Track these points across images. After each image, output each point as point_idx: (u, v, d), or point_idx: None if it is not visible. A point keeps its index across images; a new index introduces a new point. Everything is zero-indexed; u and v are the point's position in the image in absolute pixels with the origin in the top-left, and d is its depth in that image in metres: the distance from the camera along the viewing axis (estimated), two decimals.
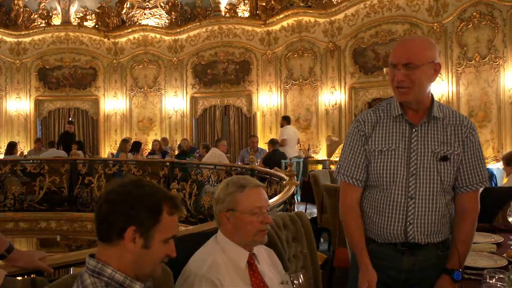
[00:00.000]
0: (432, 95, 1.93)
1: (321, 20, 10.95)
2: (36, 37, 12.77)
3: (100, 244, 1.35)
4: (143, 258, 1.34)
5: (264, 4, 11.61)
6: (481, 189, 1.98)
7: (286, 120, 9.69)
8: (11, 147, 10.05)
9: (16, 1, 12.67)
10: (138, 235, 1.31)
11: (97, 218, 1.35)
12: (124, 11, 12.82)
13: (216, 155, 7.89)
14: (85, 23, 12.77)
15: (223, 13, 12.25)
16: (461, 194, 1.95)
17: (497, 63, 8.29)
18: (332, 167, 9.31)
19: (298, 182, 5.56)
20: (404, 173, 1.88)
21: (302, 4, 11.16)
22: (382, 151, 1.91)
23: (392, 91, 1.91)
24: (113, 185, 1.38)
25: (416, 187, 1.87)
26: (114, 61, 12.86)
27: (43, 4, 12.99)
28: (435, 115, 1.89)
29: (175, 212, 1.38)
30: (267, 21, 11.56)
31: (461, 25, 8.87)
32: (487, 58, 8.43)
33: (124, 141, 9.68)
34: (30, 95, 12.91)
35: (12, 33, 12.61)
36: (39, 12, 12.96)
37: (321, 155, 10.98)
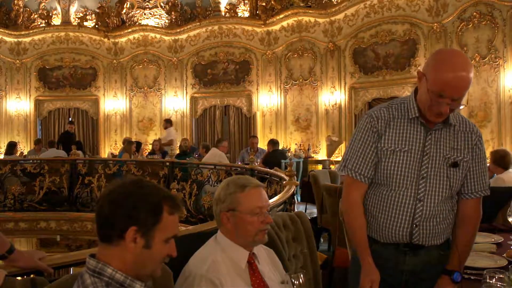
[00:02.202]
0: None
1: (321, 20, 10.95)
2: (36, 37, 12.77)
3: (101, 244, 1.36)
4: (144, 258, 1.34)
5: (264, 4, 11.61)
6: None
7: (169, 123, 11.12)
8: (11, 147, 10.05)
9: (16, 1, 12.67)
10: (139, 235, 1.32)
11: (98, 219, 1.35)
12: (124, 11, 12.82)
13: (216, 155, 7.88)
14: (85, 23, 12.77)
15: (223, 13, 12.25)
16: (465, 200, 1.96)
17: (497, 63, 8.30)
18: (332, 167, 9.32)
19: (298, 182, 5.56)
20: (415, 175, 1.87)
21: (302, 4, 11.16)
22: (395, 151, 1.90)
23: (425, 110, 1.82)
24: (114, 186, 1.38)
25: (425, 190, 1.87)
26: (114, 61, 12.86)
27: (43, 4, 12.99)
28: (450, 122, 1.89)
29: (175, 211, 1.38)
30: (267, 21, 11.56)
31: (461, 25, 8.87)
32: (487, 58, 8.44)
33: (130, 143, 9.69)
34: (30, 95, 12.91)
35: (12, 33, 12.61)
36: (39, 12, 12.96)
37: (321, 155, 10.98)
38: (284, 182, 4.95)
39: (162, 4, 12.83)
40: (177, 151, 9.68)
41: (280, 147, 9.31)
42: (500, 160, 4.61)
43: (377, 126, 1.92)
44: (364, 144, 1.94)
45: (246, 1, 12.07)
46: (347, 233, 2.14)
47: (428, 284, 1.91)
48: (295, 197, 4.83)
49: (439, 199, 1.88)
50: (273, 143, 8.55)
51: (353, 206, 1.97)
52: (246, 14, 12.14)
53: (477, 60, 8.57)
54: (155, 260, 1.36)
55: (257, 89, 11.97)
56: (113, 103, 12.89)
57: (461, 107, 1.84)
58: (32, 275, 1.90)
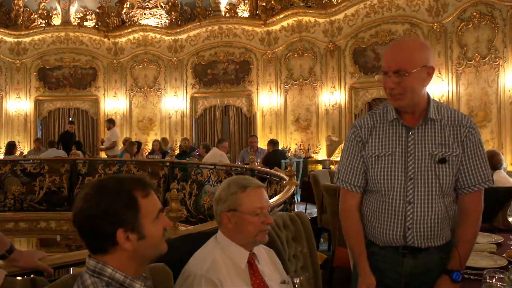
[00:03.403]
0: (428, 96, 1.89)
1: (321, 20, 10.95)
2: (36, 37, 12.77)
3: (95, 256, 1.34)
4: (145, 247, 1.34)
5: (264, 4, 11.61)
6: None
7: (112, 123, 10.74)
8: (11, 147, 10.04)
9: (16, 1, 12.67)
10: (129, 233, 1.31)
11: (84, 237, 1.33)
12: (124, 11, 12.82)
13: (217, 155, 7.88)
14: (85, 23, 12.77)
15: (223, 13, 12.25)
16: (464, 195, 1.90)
17: (497, 63, 8.29)
18: (332, 167, 9.31)
19: (298, 182, 5.56)
20: (402, 177, 1.85)
21: (302, 4, 11.16)
22: (379, 157, 1.89)
23: (386, 96, 1.87)
24: (80, 203, 1.33)
25: (414, 192, 1.84)
26: (114, 61, 12.86)
27: (43, 4, 12.99)
28: (431, 116, 1.85)
29: (148, 191, 1.37)
30: (267, 21, 11.56)
31: (461, 25, 8.87)
32: (487, 58, 8.43)
33: (131, 143, 9.69)
34: (30, 95, 12.91)
35: (12, 33, 12.61)
36: (39, 12, 12.96)
37: (321, 155, 10.98)
38: (284, 182, 4.95)
39: (162, 4, 12.83)
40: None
41: (280, 147, 9.31)
42: (489, 160, 4.62)
43: (361, 135, 1.93)
44: (351, 154, 1.96)
45: (246, 1, 12.07)
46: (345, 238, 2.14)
47: (428, 287, 1.89)
48: (295, 197, 4.83)
49: (430, 199, 1.84)
50: (273, 143, 8.55)
51: (348, 215, 1.99)
52: (246, 14, 12.14)
53: (477, 60, 8.57)
54: (156, 242, 1.37)
55: (257, 89, 11.97)
56: (113, 103, 12.89)
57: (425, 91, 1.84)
58: (32, 275, 1.90)
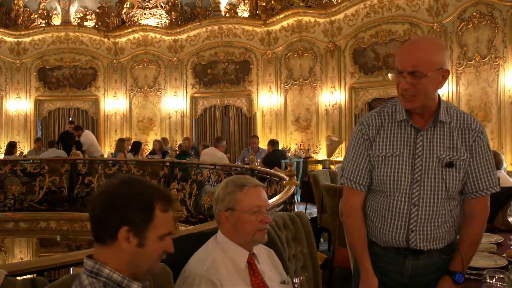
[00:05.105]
0: (439, 97, 1.86)
1: (321, 20, 10.96)
2: (36, 37, 12.77)
3: (96, 245, 1.35)
4: (139, 257, 1.33)
5: (264, 4, 11.61)
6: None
7: (79, 129, 10.26)
8: (11, 147, 10.05)
9: (16, 1, 12.67)
10: (131, 235, 1.31)
11: (91, 220, 1.35)
12: (124, 11, 12.82)
13: (217, 156, 7.86)
14: (85, 23, 12.77)
15: (223, 13, 12.25)
16: (470, 199, 1.88)
17: (497, 63, 8.28)
18: (332, 167, 9.32)
19: (298, 182, 5.56)
20: (408, 179, 1.83)
21: (302, 4, 11.16)
22: (386, 157, 1.86)
23: (398, 96, 1.83)
24: (105, 187, 1.36)
25: (420, 194, 1.82)
26: (114, 61, 12.86)
27: (43, 4, 12.99)
28: (441, 119, 1.82)
29: (169, 208, 1.37)
30: (267, 21, 11.56)
31: (461, 25, 8.87)
32: (487, 58, 8.43)
33: (121, 141, 9.66)
34: (30, 95, 12.91)
35: (12, 33, 12.61)
36: (39, 12, 12.96)
37: (321, 155, 10.98)
38: (284, 182, 4.95)
39: (162, 4, 12.83)
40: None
41: (280, 147, 9.31)
42: None
43: (368, 134, 1.90)
44: (357, 152, 1.92)
45: (246, 1, 12.07)
46: (346, 238, 2.12)
47: (429, 287, 1.88)
48: (295, 197, 4.83)
49: (435, 203, 1.82)
50: (273, 143, 8.55)
51: (351, 213, 1.97)
52: (246, 14, 12.14)
53: (477, 60, 8.56)
54: (151, 258, 1.35)
55: (257, 89, 11.97)
56: (113, 103, 12.89)
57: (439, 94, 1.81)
58: (32, 275, 1.90)
